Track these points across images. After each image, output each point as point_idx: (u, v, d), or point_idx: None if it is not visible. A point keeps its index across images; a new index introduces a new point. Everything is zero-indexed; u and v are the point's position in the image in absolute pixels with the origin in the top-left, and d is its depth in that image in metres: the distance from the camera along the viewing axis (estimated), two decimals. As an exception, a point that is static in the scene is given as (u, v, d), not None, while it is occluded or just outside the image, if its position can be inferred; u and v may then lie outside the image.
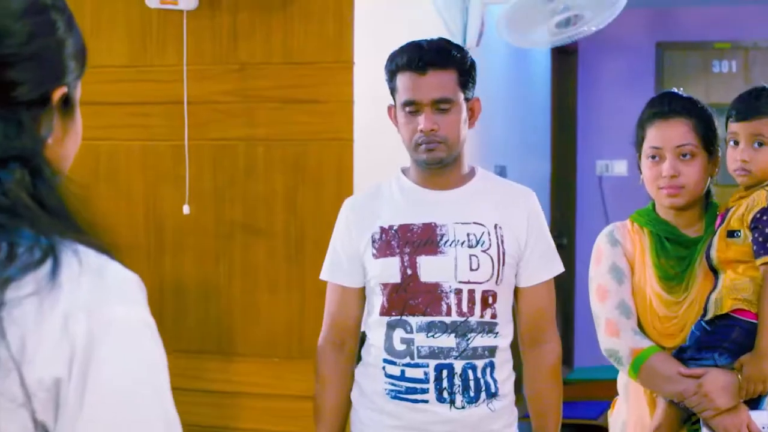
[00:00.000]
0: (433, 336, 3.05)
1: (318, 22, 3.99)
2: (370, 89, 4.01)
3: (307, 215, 4.02)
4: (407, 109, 3.07)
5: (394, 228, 3.11)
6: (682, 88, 3.26)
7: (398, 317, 3.09)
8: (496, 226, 3.11)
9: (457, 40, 5.02)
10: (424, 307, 3.06)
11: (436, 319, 3.05)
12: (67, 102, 1.46)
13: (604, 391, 3.21)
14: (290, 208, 4.05)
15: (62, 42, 1.44)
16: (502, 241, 3.10)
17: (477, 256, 3.07)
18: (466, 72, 3.09)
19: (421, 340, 3.06)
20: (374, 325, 3.16)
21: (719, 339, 2.94)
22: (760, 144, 2.99)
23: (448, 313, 3.05)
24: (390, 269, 3.09)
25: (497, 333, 3.10)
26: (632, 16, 7.81)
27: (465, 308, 3.06)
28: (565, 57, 8.47)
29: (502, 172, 6.10)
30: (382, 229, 3.13)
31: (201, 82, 4.12)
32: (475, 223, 3.10)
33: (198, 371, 4.11)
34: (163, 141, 4.18)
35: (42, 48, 1.41)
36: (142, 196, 4.23)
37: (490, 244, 3.08)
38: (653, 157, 3.09)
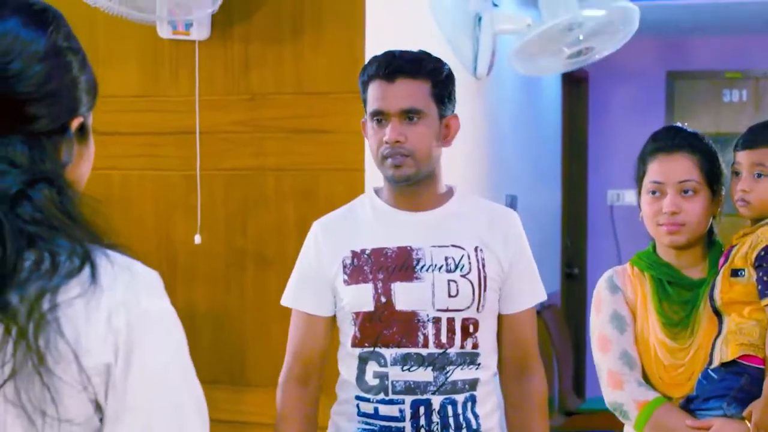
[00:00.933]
0: (408, 369, 2.84)
1: (329, 53, 4.00)
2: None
3: (319, 245, 4.02)
4: (375, 119, 2.88)
5: (367, 252, 2.89)
6: (686, 123, 3.23)
7: (371, 349, 2.87)
8: (477, 248, 2.89)
9: (467, 69, 5.04)
10: (399, 337, 2.83)
11: (412, 350, 2.83)
12: (82, 129, 1.66)
13: (617, 422, 3.14)
14: (301, 237, 4.03)
15: (76, 80, 1.65)
16: (483, 265, 2.88)
17: (456, 282, 2.85)
18: (440, 84, 2.89)
19: (395, 374, 2.84)
20: (346, 357, 2.95)
21: (727, 387, 2.83)
22: (760, 175, 2.93)
23: (425, 345, 2.83)
24: (362, 297, 2.86)
25: (479, 364, 2.88)
26: (643, 45, 7.83)
27: (444, 338, 2.83)
28: (575, 86, 8.48)
29: (512, 201, 6.11)
30: (354, 254, 2.91)
31: (213, 112, 4.14)
32: (453, 245, 2.89)
33: (209, 401, 4.07)
34: (175, 171, 4.20)
35: (58, 86, 1.61)
36: (154, 226, 4.24)
37: (470, 268, 2.86)
38: (654, 192, 2.98)
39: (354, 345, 2.90)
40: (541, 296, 3.04)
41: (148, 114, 4.24)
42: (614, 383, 2.97)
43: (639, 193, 3.07)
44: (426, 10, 4.61)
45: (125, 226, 4.26)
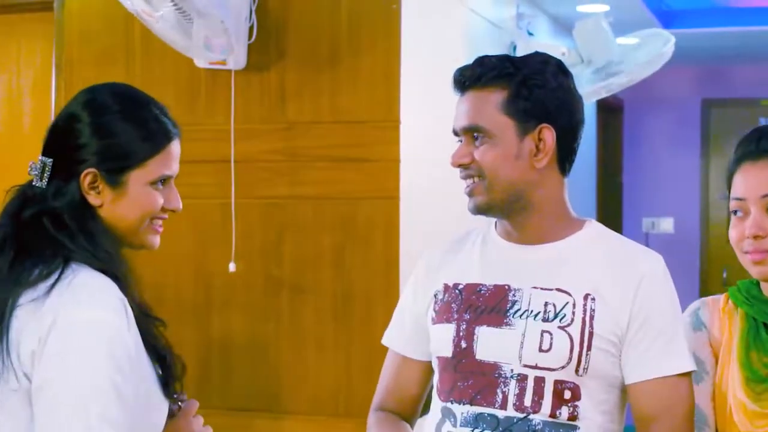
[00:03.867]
0: None
1: (366, 82, 4.01)
2: (416, 148, 4.03)
3: (355, 273, 4.02)
4: (456, 140, 2.41)
5: (460, 287, 2.40)
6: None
7: (445, 404, 2.36)
8: (587, 296, 2.29)
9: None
10: (474, 393, 2.31)
11: (486, 411, 2.29)
12: (113, 175, 2.09)
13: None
14: (338, 266, 4.05)
15: (83, 146, 2.09)
16: (592, 317, 2.27)
17: (551, 333, 2.28)
18: (522, 89, 2.32)
19: None
20: (433, 409, 2.44)
21: None
22: None
23: (503, 406, 2.28)
24: (443, 339, 2.38)
25: None
26: (678, 73, 7.82)
27: (527, 401, 2.26)
28: (611, 113, 8.47)
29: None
30: (446, 287, 2.43)
31: (248, 141, 4.15)
32: (558, 290, 2.31)
33: (246, 429, 4.11)
34: (210, 199, 4.21)
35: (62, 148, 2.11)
36: (189, 254, 4.26)
37: (572, 320, 2.28)
38: (736, 212, 2.33)
39: (438, 396, 2.41)
40: (679, 366, 2.30)
41: (184, 143, 4.24)
42: None
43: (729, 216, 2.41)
44: (461, 39, 4.61)
45: (162, 254, 4.27)
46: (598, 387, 2.29)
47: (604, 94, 5.27)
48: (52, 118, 2.74)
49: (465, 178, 2.36)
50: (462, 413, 2.31)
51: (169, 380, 2.09)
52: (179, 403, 2.17)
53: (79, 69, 4.40)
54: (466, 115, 2.35)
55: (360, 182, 4.01)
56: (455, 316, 2.36)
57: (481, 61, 2.36)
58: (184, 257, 4.26)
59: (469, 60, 2.40)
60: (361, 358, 3.96)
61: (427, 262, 2.53)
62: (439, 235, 4.02)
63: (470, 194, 2.36)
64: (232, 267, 4.12)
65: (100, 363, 1.91)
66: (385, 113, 3.98)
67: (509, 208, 2.35)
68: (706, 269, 8.51)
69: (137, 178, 2.11)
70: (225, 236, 4.17)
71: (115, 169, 2.09)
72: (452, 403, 2.33)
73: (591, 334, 2.27)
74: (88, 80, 4.36)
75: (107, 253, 2.04)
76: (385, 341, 2.59)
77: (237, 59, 4.05)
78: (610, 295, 2.29)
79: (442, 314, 2.40)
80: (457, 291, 2.40)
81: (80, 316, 1.93)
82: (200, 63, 4.06)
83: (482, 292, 2.36)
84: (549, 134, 2.32)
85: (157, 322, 2.13)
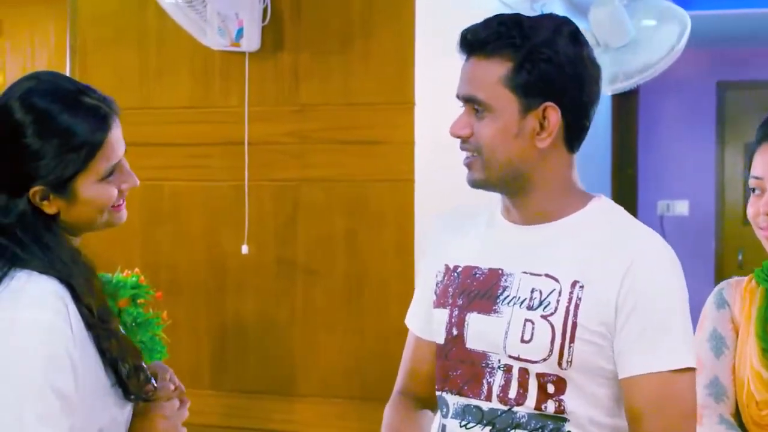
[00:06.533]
0: (465, 426, 2.18)
1: (378, 64, 4.00)
2: (431, 130, 4.01)
3: (367, 256, 4.02)
4: (459, 105, 2.21)
5: (459, 269, 2.25)
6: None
7: (440, 393, 2.24)
8: (575, 284, 2.10)
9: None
10: (462, 383, 2.18)
11: (473, 402, 2.17)
12: (59, 188, 2.01)
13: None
14: (351, 248, 4.05)
15: (22, 167, 2.00)
16: (576, 306, 2.08)
17: (533, 323, 2.10)
18: (527, 63, 2.10)
19: (452, 428, 2.20)
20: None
21: None
22: None
23: (488, 398, 2.14)
24: (438, 324, 2.25)
25: None
26: (693, 56, 7.77)
27: (512, 393, 2.12)
28: (625, 97, 8.44)
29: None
30: (447, 269, 2.28)
31: (262, 123, 4.14)
32: (547, 275, 2.13)
33: (259, 411, 4.11)
34: (223, 181, 4.21)
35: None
36: (203, 236, 4.26)
37: (556, 309, 2.09)
38: (754, 189, 2.34)
39: (436, 385, 2.29)
40: (676, 362, 2.07)
41: (198, 125, 4.26)
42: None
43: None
44: (475, 20, 4.59)
45: (175, 236, 4.29)
46: (586, 381, 2.10)
47: (620, 82, 5.24)
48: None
49: (463, 150, 2.18)
50: (453, 404, 2.19)
51: (126, 387, 2.03)
52: (146, 394, 2.09)
53: (93, 51, 4.40)
54: (467, 84, 2.15)
55: (374, 165, 4.01)
56: (450, 301, 2.22)
57: (488, 24, 2.15)
58: (197, 240, 4.26)
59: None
60: (373, 341, 3.96)
61: (436, 237, 2.38)
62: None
63: (468, 167, 2.18)
64: (245, 249, 4.12)
65: (36, 363, 1.88)
66: (398, 95, 3.97)
67: (507, 186, 2.18)
68: (722, 252, 8.49)
69: (84, 182, 2.03)
70: (238, 218, 4.17)
71: (60, 183, 2.00)
72: (445, 393, 2.21)
73: (575, 324, 2.07)
74: (102, 62, 4.39)
75: (63, 264, 2.00)
76: (406, 320, 2.43)
77: (251, 41, 4.04)
78: (599, 281, 2.08)
79: (440, 298, 2.25)
80: (455, 274, 2.24)
81: (16, 315, 1.91)
82: (214, 45, 4.05)
83: (477, 275, 2.21)
84: (554, 113, 2.11)
85: (113, 329, 2.05)
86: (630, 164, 8.60)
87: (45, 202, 2.02)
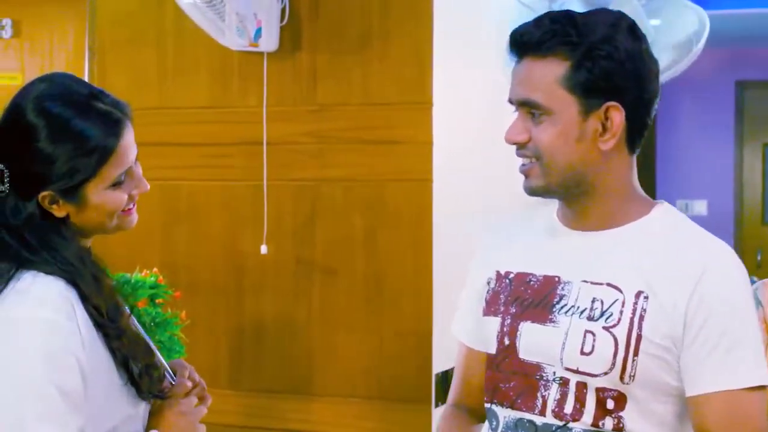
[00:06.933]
0: None
1: (397, 64, 4.00)
2: (449, 130, 4.01)
3: (386, 256, 4.02)
4: (512, 110, 2.12)
5: (510, 276, 2.17)
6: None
7: (489, 405, 2.16)
8: (640, 294, 2.00)
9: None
10: (515, 396, 2.10)
11: (526, 416, 2.07)
12: (68, 194, 2.02)
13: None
14: (369, 248, 4.05)
15: (33, 170, 2.01)
16: (641, 318, 1.98)
17: (594, 334, 2.00)
18: (586, 61, 2.01)
19: None
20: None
21: None
22: None
23: (542, 412, 2.05)
24: (489, 333, 2.16)
25: None
26: (711, 55, 7.75)
27: (568, 408, 2.02)
28: (643, 96, 8.44)
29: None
30: (498, 275, 2.20)
31: (280, 123, 4.15)
32: (609, 284, 2.03)
33: (277, 411, 4.11)
34: (242, 181, 4.22)
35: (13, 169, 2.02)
36: (221, 236, 4.26)
37: (619, 320, 1.99)
38: None
39: (485, 397, 2.21)
40: (750, 380, 1.98)
41: (216, 125, 4.27)
42: None
43: None
44: (495, 20, 4.59)
45: (193, 236, 4.29)
46: (649, 397, 2.01)
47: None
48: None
49: (520, 156, 2.09)
50: (504, 417, 2.11)
51: (138, 385, 2.03)
52: (160, 392, 2.10)
53: (112, 51, 4.41)
54: (522, 87, 2.06)
55: (392, 164, 4.01)
56: (501, 309, 2.13)
57: (539, 22, 2.06)
58: (215, 239, 4.27)
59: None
60: (391, 341, 3.96)
61: (485, 243, 2.30)
62: (473, 217, 4.02)
63: (525, 175, 2.09)
64: (263, 249, 4.13)
65: (37, 362, 1.88)
66: (417, 94, 3.97)
67: (568, 192, 2.09)
68: (740, 251, 8.46)
69: (94, 188, 2.04)
70: (257, 218, 4.17)
71: (69, 189, 2.01)
72: (495, 406, 2.13)
73: (639, 337, 1.98)
74: (121, 62, 4.41)
75: (69, 264, 2.00)
76: (453, 331, 2.35)
77: (269, 41, 4.05)
78: (666, 292, 1.99)
79: (491, 306, 2.17)
80: (507, 280, 2.16)
81: (17, 315, 1.93)
82: (233, 45, 4.06)
83: (531, 283, 2.12)
84: (617, 113, 2.04)
85: (123, 328, 2.05)
86: (649, 164, 8.59)
87: (54, 206, 2.03)
